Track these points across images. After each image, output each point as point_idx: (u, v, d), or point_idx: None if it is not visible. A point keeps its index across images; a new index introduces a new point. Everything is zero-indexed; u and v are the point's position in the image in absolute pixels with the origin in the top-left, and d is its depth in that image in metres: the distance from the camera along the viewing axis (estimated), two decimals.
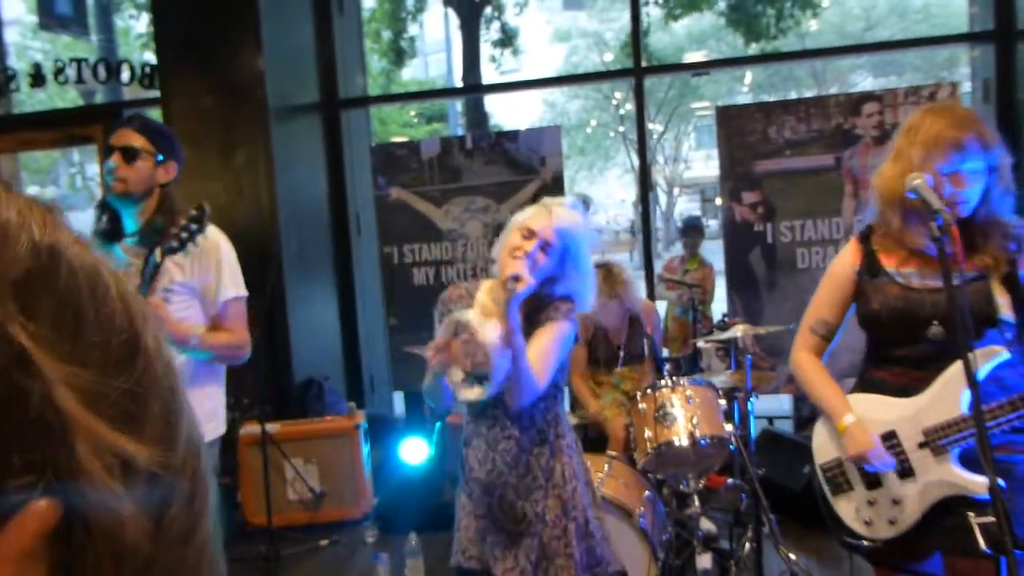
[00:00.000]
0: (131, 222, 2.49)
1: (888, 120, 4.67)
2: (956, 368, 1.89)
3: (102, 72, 5.64)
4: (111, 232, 2.49)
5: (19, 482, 0.31)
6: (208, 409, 2.54)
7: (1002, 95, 4.92)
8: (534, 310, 2.19)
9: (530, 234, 2.11)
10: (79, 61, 5.68)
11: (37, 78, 5.69)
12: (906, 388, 2.04)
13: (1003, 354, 1.90)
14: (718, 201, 6.23)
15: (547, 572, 2.16)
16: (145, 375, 0.36)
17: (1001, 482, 1.70)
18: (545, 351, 2.12)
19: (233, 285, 2.53)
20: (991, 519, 1.61)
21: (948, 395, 1.95)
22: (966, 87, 5.87)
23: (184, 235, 2.25)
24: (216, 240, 2.49)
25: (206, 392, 2.54)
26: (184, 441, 0.38)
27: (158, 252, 2.24)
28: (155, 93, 5.55)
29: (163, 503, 0.36)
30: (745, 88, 23.98)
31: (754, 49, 11.37)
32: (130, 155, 2.42)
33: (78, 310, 0.34)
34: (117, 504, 0.33)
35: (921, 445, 1.99)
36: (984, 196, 1.96)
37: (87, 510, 0.32)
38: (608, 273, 3.87)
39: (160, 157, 2.47)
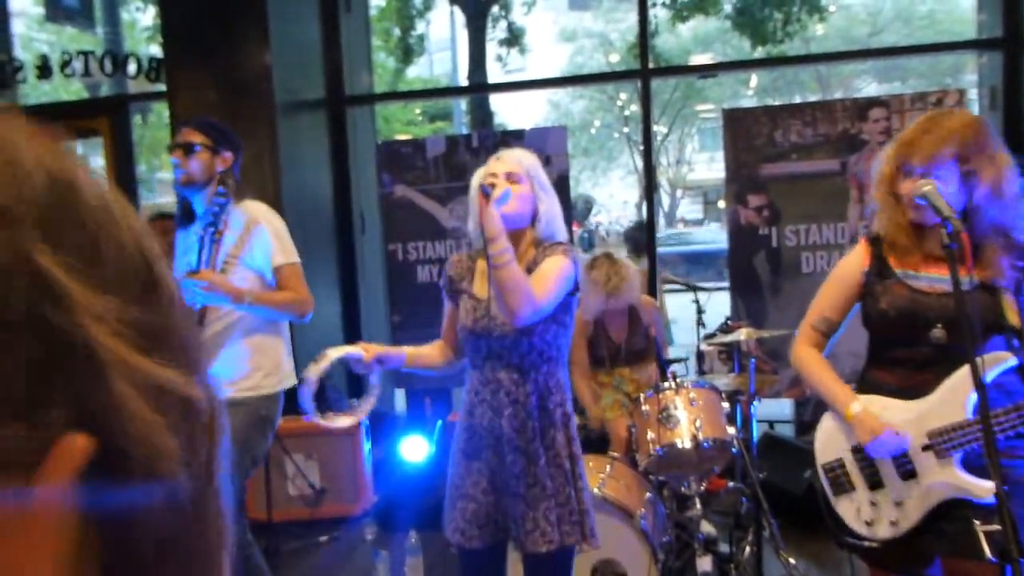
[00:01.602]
0: (200, 207, 2.84)
1: (895, 126, 4.66)
2: (962, 372, 1.91)
3: (108, 65, 5.64)
4: (185, 216, 2.88)
5: (54, 419, 0.30)
6: (271, 362, 2.82)
7: (1009, 102, 4.92)
8: (532, 263, 2.24)
9: (492, 179, 2.23)
10: (86, 54, 5.68)
11: (44, 70, 5.68)
12: (905, 390, 2.05)
13: (1009, 360, 1.91)
14: (720, 204, 6.22)
15: (550, 536, 2.18)
16: (166, 307, 0.36)
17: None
18: (544, 275, 2.16)
19: (282, 252, 2.82)
20: (997, 527, 1.61)
21: (953, 399, 1.96)
22: (972, 94, 5.87)
23: (215, 209, 2.61)
24: (255, 214, 2.81)
25: (267, 342, 2.82)
26: (205, 373, 0.38)
27: (201, 230, 2.62)
28: (161, 87, 5.55)
29: (192, 431, 0.35)
30: (750, 91, 23.99)
31: (760, 53, 11.36)
32: (188, 150, 2.79)
33: (98, 242, 0.33)
34: (155, 434, 0.33)
35: (925, 448, 2.00)
36: (970, 203, 1.95)
37: (126, 443, 0.32)
38: (611, 263, 3.87)
39: (217, 149, 2.83)
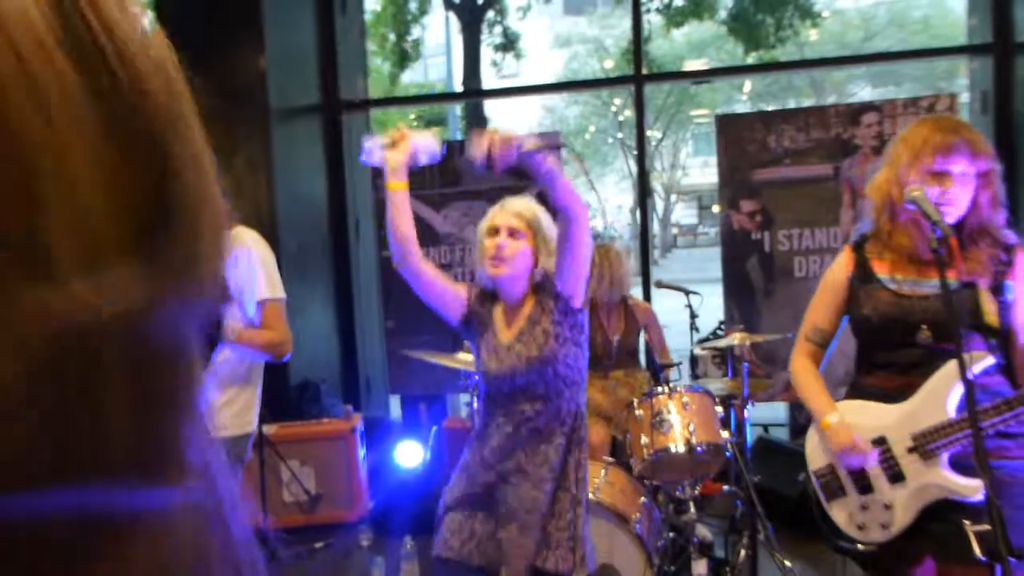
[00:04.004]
0: None
1: (887, 130, 4.69)
2: (942, 372, 1.94)
3: None
4: None
5: None
6: (238, 407, 2.66)
7: (1000, 107, 4.95)
8: (534, 315, 2.29)
9: (495, 231, 2.29)
10: None
11: None
12: (893, 393, 2.08)
13: (987, 360, 1.94)
14: (714, 208, 6.24)
15: (546, 560, 2.19)
16: None
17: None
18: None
19: (269, 286, 2.66)
20: (986, 527, 1.63)
21: (935, 399, 1.99)
22: (964, 98, 5.90)
23: None
24: (246, 243, 2.63)
25: (237, 391, 2.66)
26: None
27: None
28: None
29: None
30: (744, 97, 24.07)
31: (753, 58, 11.41)
32: None
33: None
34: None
35: (911, 450, 2.03)
36: (974, 203, 1.98)
37: None
38: (606, 251, 3.95)
39: None
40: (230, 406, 2.62)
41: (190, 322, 0.29)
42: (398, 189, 2.29)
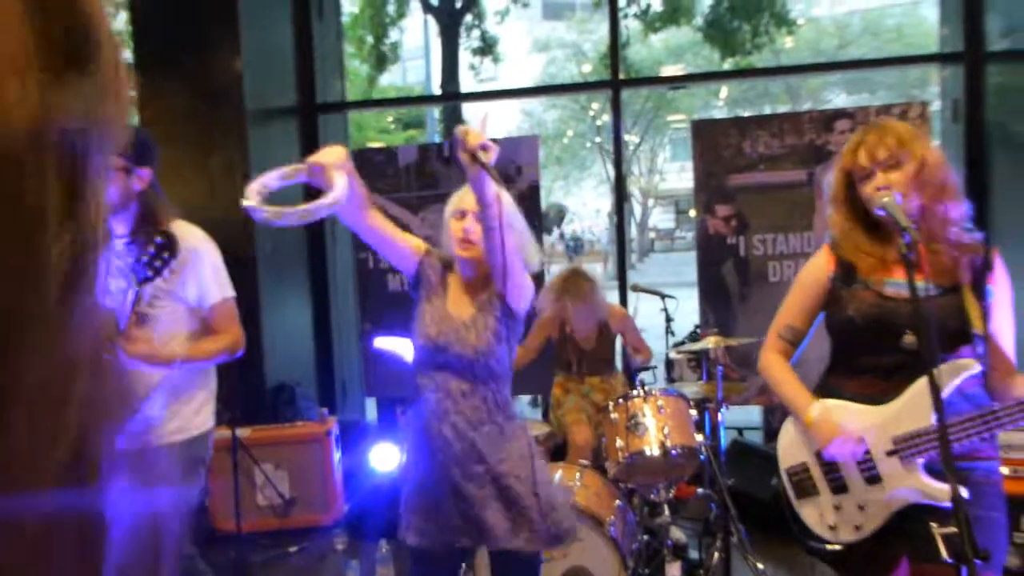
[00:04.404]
0: (120, 225, 2.47)
1: None
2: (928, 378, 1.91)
3: None
4: None
5: None
6: (195, 405, 2.59)
7: (971, 115, 5.02)
8: (487, 302, 2.32)
9: (462, 214, 2.33)
10: None
11: None
12: (869, 397, 2.05)
13: (974, 367, 1.93)
14: (691, 213, 6.28)
15: (516, 538, 2.23)
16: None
17: (964, 491, 1.74)
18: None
19: (218, 287, 2.57)
20: (953, 530, 1.64)
21: (920, 404, 1.94)
22: (936, 106, 5.98)
23: (158, 263, 2.26)
24: (194, 244, 2.50)
25: (193, 392, 2.59)
26: None
27: (134, 283, 2.27)
28: (130, 93, 5.50)
29: None
30: (720, 102, 24.25)
31: (730, 64, 11.50)
32: None
33: None
34: None
35: (889, 453, 2.01)
36: (926, 204, 1.99)
37: None
38: (576, 278, 3.94)
39: (130, 167, 2.42)
40: (187, 405, 2.57)
41: (96, 155, 0.34)
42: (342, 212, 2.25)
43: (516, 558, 2.26)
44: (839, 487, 2.10)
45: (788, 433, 2.26)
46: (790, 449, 2.24)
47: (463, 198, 2.35)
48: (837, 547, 2.10)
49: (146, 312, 2.40)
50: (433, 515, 2.29)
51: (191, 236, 2.50)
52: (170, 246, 2.27)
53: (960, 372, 1.93)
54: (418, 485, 2.33)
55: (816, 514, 2.15)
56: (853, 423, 2.05)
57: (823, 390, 2.18)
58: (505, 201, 2.20)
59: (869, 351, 2.06)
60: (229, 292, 2.61)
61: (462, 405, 2.27)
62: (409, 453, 2.41)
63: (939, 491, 1.91)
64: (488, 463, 2.24)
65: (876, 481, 2.03)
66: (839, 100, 21.98)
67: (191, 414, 2.57)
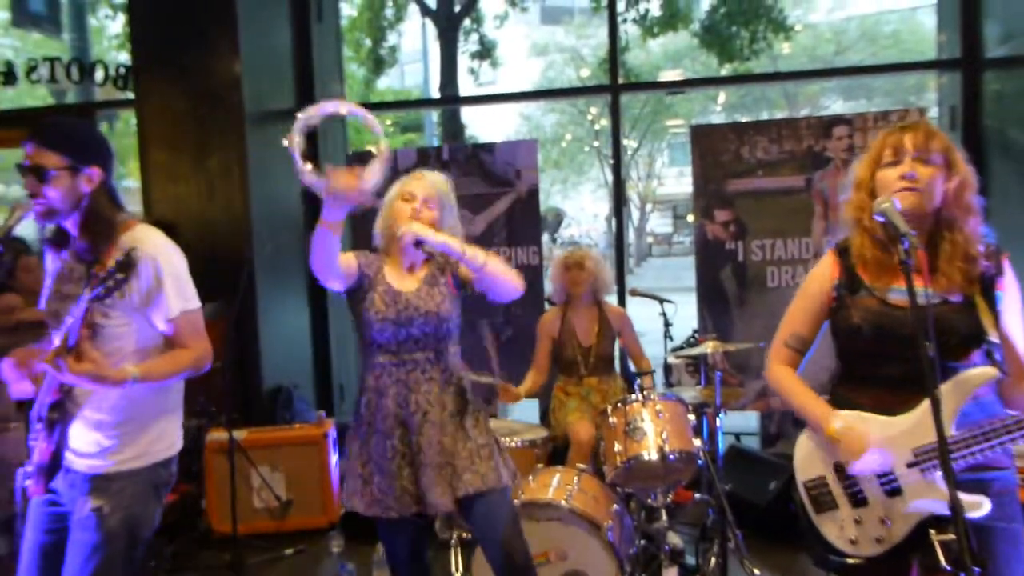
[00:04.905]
0: (72, 229, 2.28)
1: (858, 143, 4.78)
2: (946, 388, 1.86)
3: (75, 72, 5.58)
4: (58, 239, 2.31)
5: None
6: (152, 434, 2.31)
7: (968, 122, 5.04)
8: (432, 275, 2.58)
9: (411, 196, 2.55)
10: (52, 60, 5.62)
11: (9, 76, 5.62)
12: (885, 409, 2.00)
13: (994, 374, 1.88)
14: (689, 218, 6.28)
15: (457, 490, 2.43)
16: None
17: (987, 503, 1.77)
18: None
19: (179, 299, 2.28)
20: (951, 536, 1.63)
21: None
22: (933, 113, 6.00)
23: (111, 283, 2.05)
24: (152, 256, 2.24)
25: (150, 423, 2.32)
26: None
27: (85, 301, 2.04)
28: (129, 95, 5.51)
29: None
30: (718, 107, 24.26)
31: (727, 70, 11.51)
32: (41, 176, 2.16)
33: None
34: None
35: (910, 465, 1.96)
36: (943, 204, 1.98)
37: None
38: (578, 249, 4.19)
39: (77, 167, 2.21)
40: (143, 432, 2.29)
41: None
42: (334, 231, 2.43)
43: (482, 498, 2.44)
44: (859, 500, 2.05)
45: (804, 446, 2.20)
46: (807, 462, 2.18)
47: (412, 183, 2.59)
48: (858, 562, 2.05)
49: (101, 324, 2.18)
50: (393, 485, 2.45)
51: (150, 244, 2.25)
52: (127, 265, 2.07)
53: (981, 380, 1.89)
54: (380, 457, 2.49)
55: (836, 528, 2.09)
56: (875, 434, 2.00)
57: (834, 401, 2.12)
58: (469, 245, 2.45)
59: (879, 361, 2.02)
60: (192, 304, 2.32)
61: (431, 372, 2.47)
62: (361, 429, 2.60)
63: (963, 503, 1.86)
64: (448, 422, 2.47)
65: (897, 494, 1.99)
66: (836, 106, 21.99)
67: (149, 442, 2.29)
